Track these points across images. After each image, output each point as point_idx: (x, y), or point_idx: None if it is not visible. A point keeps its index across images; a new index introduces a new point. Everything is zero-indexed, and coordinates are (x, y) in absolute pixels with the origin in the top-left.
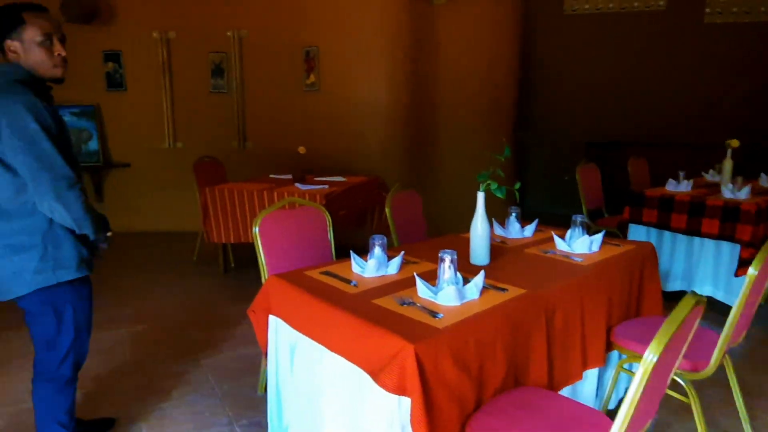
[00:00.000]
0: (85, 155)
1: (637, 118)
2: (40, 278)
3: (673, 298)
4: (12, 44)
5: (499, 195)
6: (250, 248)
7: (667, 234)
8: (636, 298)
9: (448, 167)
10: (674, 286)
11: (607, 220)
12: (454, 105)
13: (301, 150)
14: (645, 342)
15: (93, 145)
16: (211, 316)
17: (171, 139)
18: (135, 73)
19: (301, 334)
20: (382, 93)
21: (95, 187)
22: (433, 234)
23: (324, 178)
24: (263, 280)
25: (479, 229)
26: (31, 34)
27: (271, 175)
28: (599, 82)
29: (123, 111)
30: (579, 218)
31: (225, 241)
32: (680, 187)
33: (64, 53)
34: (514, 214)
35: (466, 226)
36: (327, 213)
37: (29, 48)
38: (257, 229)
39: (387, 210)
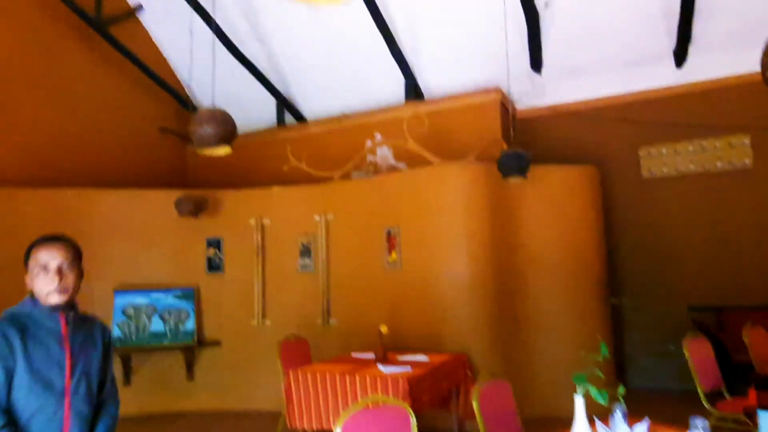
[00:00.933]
0: (181, 335)
1: (738, 279)
2: None
3: None
4: (26, 277)
5: (600, 401)
6: None
7: None
8: None
9: (539, 341)
10: None
11: (729, 404)
12: (540, 275)
13: (383, 329)
14: None
15: (189, 325)
16: None
17: (260, 316)
18: (232, 257)
19: None
20: (463, 269)
21: (187, 365)
22: (527, 420)
23: (407, 358)
24: None
25: None
26: (31, 266)
27: (354, 354)
28: (690, 244)
29: (218, 292)
30: (700, 422)
31: (307, 428)
32: None
33: (55, 283)
34: (619, 412)
35: (562, 406)
36: (411, 413)
37: (31, 279)
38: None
39: (474, 403)
